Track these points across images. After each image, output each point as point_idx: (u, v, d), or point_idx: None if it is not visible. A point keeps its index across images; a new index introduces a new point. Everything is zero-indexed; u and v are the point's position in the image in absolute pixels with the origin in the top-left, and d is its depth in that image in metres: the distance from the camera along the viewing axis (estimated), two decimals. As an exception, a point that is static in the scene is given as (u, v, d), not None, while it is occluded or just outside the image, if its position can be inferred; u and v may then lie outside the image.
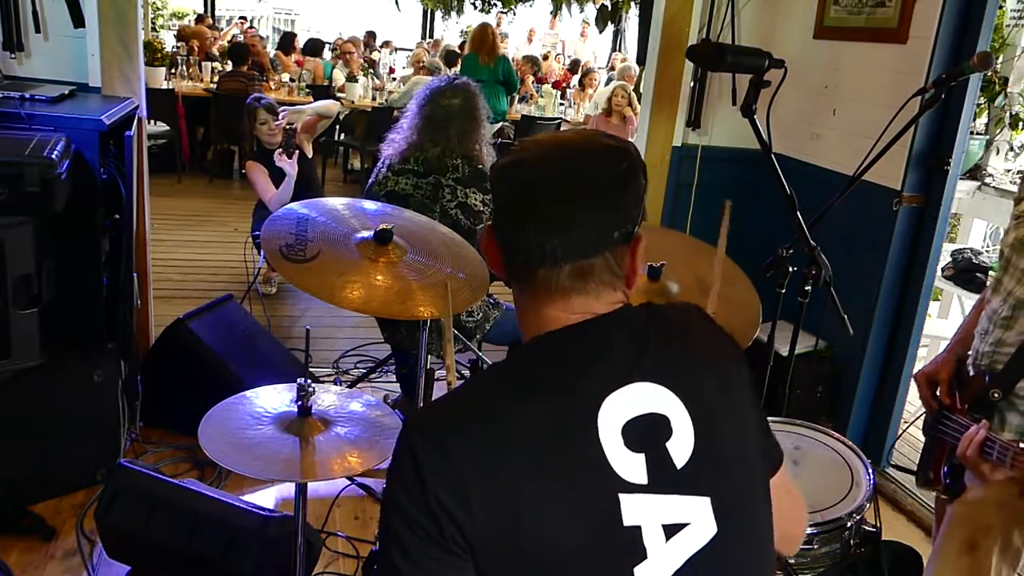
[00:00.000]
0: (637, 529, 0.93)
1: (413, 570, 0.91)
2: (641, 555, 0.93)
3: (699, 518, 0.96)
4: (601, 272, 1.00)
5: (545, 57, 11.49)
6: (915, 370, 2.59)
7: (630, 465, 0.94)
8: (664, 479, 0.95)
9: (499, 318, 3.10)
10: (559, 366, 0.98)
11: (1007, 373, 1.73)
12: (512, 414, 0.95)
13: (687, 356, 1.05)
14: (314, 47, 9.46)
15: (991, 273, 3.68)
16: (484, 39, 6.84)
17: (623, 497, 0.93)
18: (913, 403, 3.50)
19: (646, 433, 0.96)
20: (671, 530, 0.95)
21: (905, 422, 3.34)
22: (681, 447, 0.97)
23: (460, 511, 0.89)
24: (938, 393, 1.90)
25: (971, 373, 1.84)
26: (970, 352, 1.88)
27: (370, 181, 3.04)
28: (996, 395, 1.73)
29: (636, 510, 0.93)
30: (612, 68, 10.18)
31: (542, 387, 0.97)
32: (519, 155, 1.03)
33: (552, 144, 1.06)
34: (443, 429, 0.95)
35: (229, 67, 7.68)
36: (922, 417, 1.99)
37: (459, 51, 10.02)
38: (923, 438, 1.98)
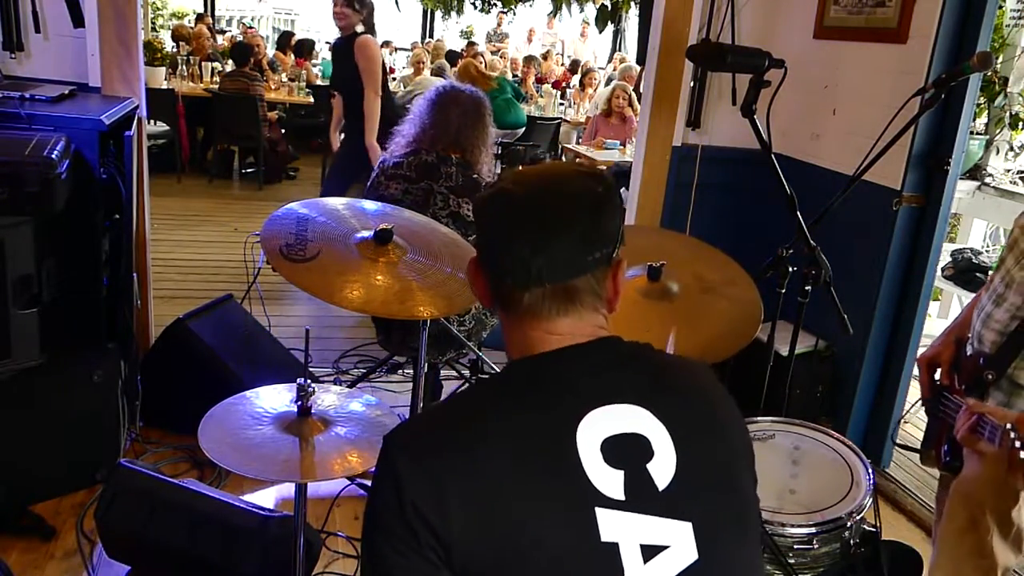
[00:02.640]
0: (615, 546, 0.93)
1: None
2: (618, 574, 0.93)
3: (679, 543, 0.96)
4: (584, 294, 1.03)
5: (546, 56, 11.47)
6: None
7: (608, 480, 0.95)
8: (643, 499, 0.95)
9: (497, 325, 3.07)
10: (541, 384, 1.00)
11: (999, 355, 1.78)
12: (490, 426, 0.96)
13: (673, 385, 1.07)
14: (303, 48, 9.49)
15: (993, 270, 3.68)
16: (472, 76, 6.89)
17: (600, 512, 0.93)
18: (913, 401, 3.50)
19: (625, 452, 0.96)
20: (649, 551, 0.94)
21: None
22: (662, 470, 0.98)
23: (436, 518, 0.90)
24: (938, 375, 1.96)
25: (968, 353, 1.89)
26: (970, 334, 1.93)
27: (367, 184, 3.01)
28: (990, 376, 1.78)
29: (613, 527, 0.93)
30: (614, 68, 10.19)
31: (522, 402, 0.98)
32: (500, 187, 1.07)
33: (530, 174, 1.10)
34: (420, 440, 0.97)
35: (229, 67, 7.68)
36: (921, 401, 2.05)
37: (461, 53, 10.06)
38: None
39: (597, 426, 0.96)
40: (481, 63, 8.01)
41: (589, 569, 0.93)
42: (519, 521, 0.91)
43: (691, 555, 0.96)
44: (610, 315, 1.07)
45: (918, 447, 2.05)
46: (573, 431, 0.95)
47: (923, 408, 2.04)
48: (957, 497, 1.86)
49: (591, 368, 1.01)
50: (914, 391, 3.37)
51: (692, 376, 1.10)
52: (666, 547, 0.95)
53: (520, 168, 1.16)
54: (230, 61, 7.84)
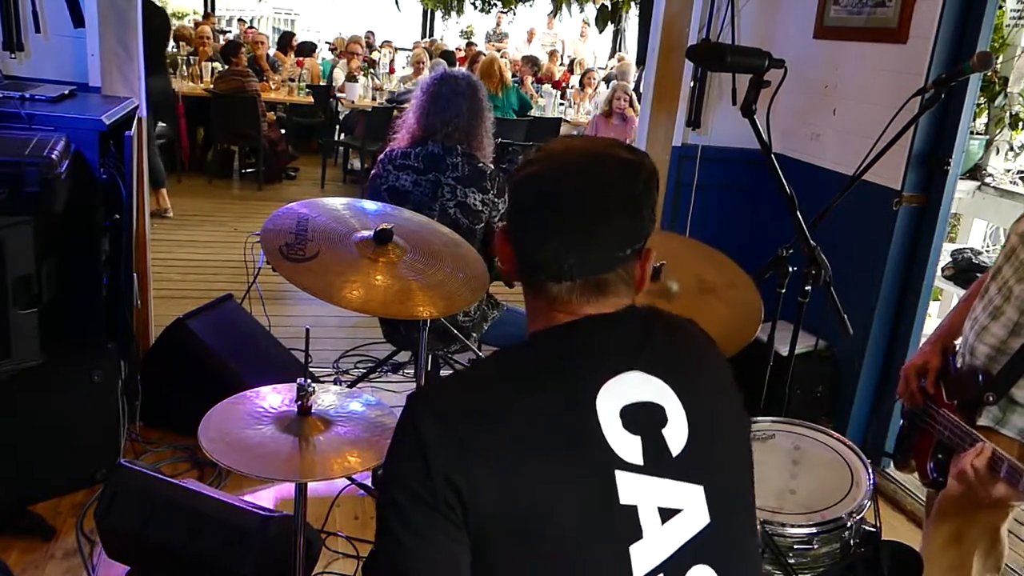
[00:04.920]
0: (633, 508, 0.95)
1: (414, 540, 0.92)
2: (637, 534, 0.95)
3: (693, 506, 0.99)
4: (615, 285, 1.04)
5: (551, 55, 11.46)
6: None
7: (627, 445, 0.97)
8: (660, 463, 0.98)
9: (498, 318, 3.07)
10: (561, 352, 1.02)
11: (1002, 377, 1.70)
12: (513, 391, 0.98)
13: (685, 356, 1.09)
14: (307, 48, 9.58)
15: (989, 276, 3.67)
16: (492, 74, 7.11)
17: (619, 475, 0.96)
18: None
19: (642, 418, 0.99)
20: (666, 514, 0.97)
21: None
22: (676, 436, 1.00)
23: (461, 481, 0.91)
24: (924, 383, 1.88)
25: (959, 364, 1.82)
26: (958, 342, 1.86)
27: (372, 173, 2.99)
28: (991, 398, 1.71)
29: (632, 489, 0.96)
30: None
31: (544, 369, 1.01)
32: (538, 168, 1.05)
33: (570, 157, 1.06)
34: (444, 402, 0.99)
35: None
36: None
37: (455, 52, 10.08)
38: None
39: (616, 393, 0.98)
40: (506, 65, 8.01)
41: (609, 530, 0.95)
42: (541, 483, 0.93)
43: (704, 518, 0.99)
44: (637, 295, 1.08)
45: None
46: (593, 397, 0.97)
47: (900, 414, 1.96)
48: (944, 510, 1.81)
49: (612, 338, 1.03)
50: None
51: (694, 342, 1.13)
52: (680, 510, 0.98)
53: (561, 142, 1.09)
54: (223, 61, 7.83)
